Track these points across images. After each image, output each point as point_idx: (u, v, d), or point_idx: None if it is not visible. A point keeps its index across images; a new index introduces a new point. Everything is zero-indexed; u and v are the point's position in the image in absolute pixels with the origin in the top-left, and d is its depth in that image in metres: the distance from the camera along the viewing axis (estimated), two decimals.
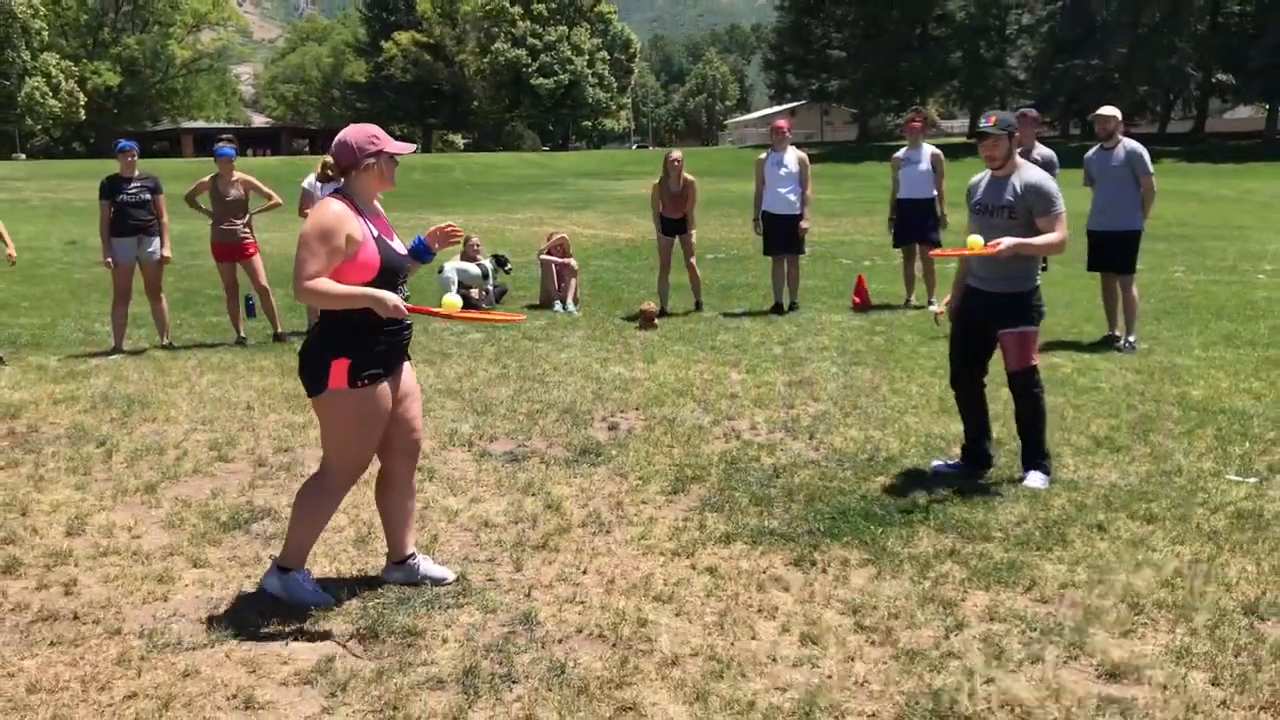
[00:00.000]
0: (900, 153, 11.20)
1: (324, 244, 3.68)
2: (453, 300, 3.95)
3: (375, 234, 3.83)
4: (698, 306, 11.21)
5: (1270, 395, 7.12)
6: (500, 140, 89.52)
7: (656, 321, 10.14)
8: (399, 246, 3.95)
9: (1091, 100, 45.36)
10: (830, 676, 3.47)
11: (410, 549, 4.23)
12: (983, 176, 5.53)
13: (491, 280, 11.62)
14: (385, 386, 3.91)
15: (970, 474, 5.51)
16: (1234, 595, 4.04)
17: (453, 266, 11.37)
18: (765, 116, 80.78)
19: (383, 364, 3.88)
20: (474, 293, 11.51)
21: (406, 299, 3.88)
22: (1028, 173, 5.34)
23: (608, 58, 77.51)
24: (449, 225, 4.09)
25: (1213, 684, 3.39)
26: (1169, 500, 5.08)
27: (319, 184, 9.80)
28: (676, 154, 11.13)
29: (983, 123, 5.34)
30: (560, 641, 3.73)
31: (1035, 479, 5.34)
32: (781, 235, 10.93)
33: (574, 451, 6.02)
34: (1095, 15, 55.10)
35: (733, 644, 3.68)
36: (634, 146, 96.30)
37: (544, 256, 11.67)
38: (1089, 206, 9.04)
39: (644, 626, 3.82)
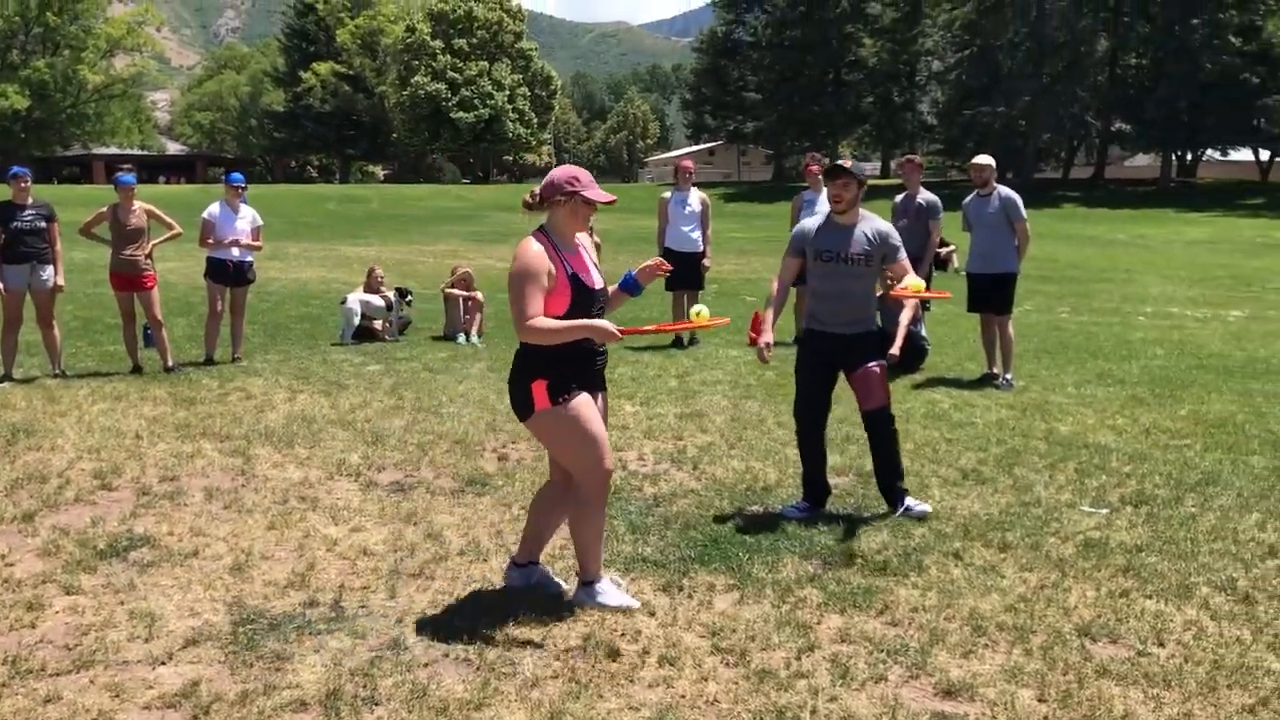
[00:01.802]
0: (802, 195, 11.53)
1: (533, 283, 4.00)
2: (702, 310, 4.52)
3: (570, 270, 4.10)
4: None
5: (1131, 431, 7.50)
6: (420, 172, 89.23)
7: None
8: (595, 278, 4.21)
9: (998, 146, 46.90)
10: (683, 696, 3.63)
11: (538, 558, 4.54)
12: (815, 222, 5.62)
13: (395, 312, 11.67)
14: (587, 395, 4.19)
15: (817, 510, 5.61)
16: (1071, 618, 4.29)
17: (356, 298, 11.41)
18: (684, 155, 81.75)
19: (580, 383, 4.16)
20: (377, 324, 11.55)
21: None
22: (875, 222, 5.55)
23: (528, 93, 77.82)
24: (659, 261, 4.35)
25: (1039, 700, 3.62)
26: (1024, 529, 5.36)
27: (220, 211, 9.85)
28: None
29: (840, 162, 5.45)
30: (425, 665, 3.83)
31: (919, 504, 5.60)
32: (683, 271, 11.17)
33: (461, 481, 6.13)
34: (1001, 64, 56.91)
35: (594, 666, 3.82)
36: None
37: (448, 290, 11.76)
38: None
39: (510, 651, 3.94)
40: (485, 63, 74.65)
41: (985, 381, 9.20)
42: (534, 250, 4.06)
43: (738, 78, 69.35)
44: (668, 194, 11.33)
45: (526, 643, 4.00)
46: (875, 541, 5.16)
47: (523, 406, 4.18)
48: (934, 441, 7.10)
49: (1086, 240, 31.09)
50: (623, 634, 4.09)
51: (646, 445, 7.03)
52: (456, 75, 73.00)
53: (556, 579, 4.55)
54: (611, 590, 4.36)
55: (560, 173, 4.23)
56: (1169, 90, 52.91)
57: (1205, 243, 31.38)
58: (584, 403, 4.16)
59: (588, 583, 4.35)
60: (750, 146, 78.63)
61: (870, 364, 5.51)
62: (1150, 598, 4.50)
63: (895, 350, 6.59)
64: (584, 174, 4.25)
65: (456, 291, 11.69)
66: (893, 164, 70.25)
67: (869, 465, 6.42)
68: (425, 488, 6.01)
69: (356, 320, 11.27)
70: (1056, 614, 4.32)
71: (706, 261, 11.22)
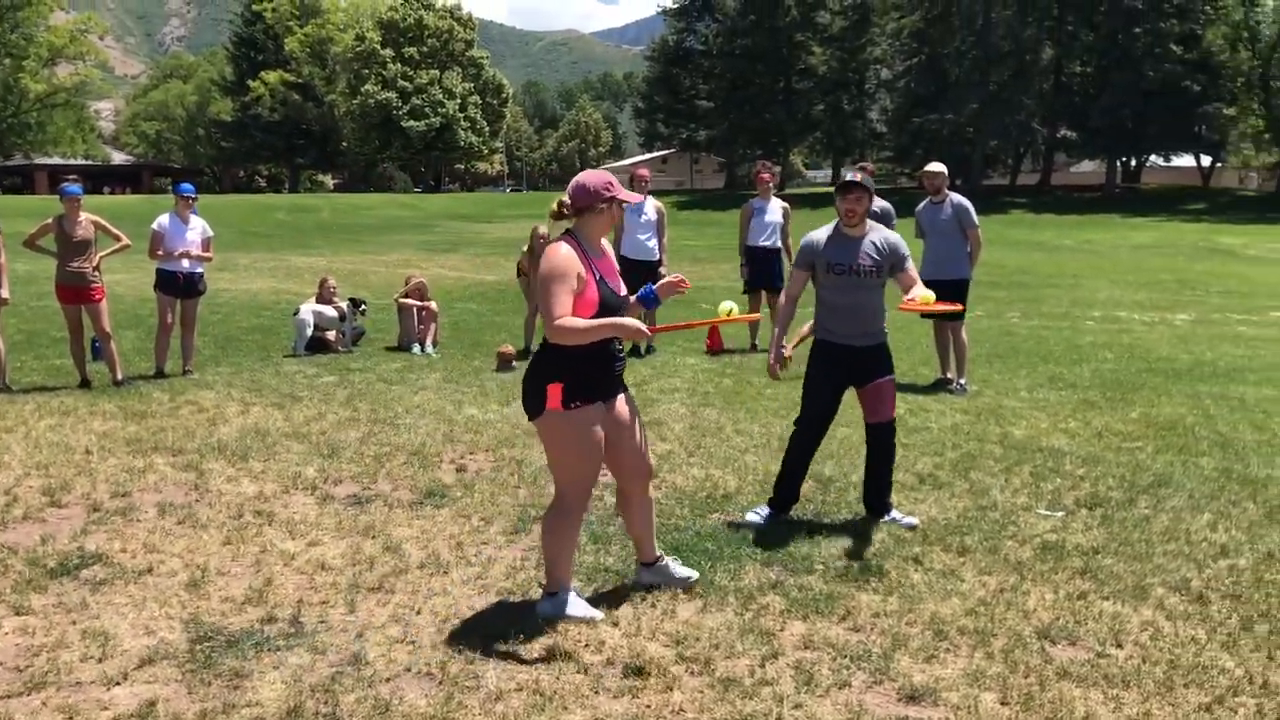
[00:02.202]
0: (752, 203, 11.60)
1: (562, 284, 4.01)
2: (728, 305, 4.64)
3: (598, 276, 4.14)
4: None
5: (1084, 434, 7.60)
6: (371, 181, 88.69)
7: (514, 364, 10.25)
8: (619, 284, 4.27)
9: (946, 153, 47.41)
10: (649, 706, 3.61)
11: (657, 553, 4.63)
12: (824, 235, 5.51)
13: (349, 323, 11.57)
14: (599, 409, 4.21)
15: (780, 517, 5.60)
16: (1031, 621, 4.33)
17: (308, 309, 11.30)
18: (638, 163, 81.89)
19: (595, 389, 4.18)
20: (330, 335, 11.44)
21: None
22: (882, 232, 5.51)
23: (480, 102, 77.63)
24: (679, 278, 4.34)
25: (1001, 703, 3.64)
26: (982, 533, 5.40)
27: (169, 222, 9.71)
28: (543, 230, 11.40)
29: (849, 174, 5.35)
30: (388, 680, 3.78)
31: (907, 516, 5.60)
32: (640, 281, 11.14)
33: (419, 494, 6.07)
34: (948, 73, 57.66)
35: (558, 678, 3.80)
36: (507, 190, 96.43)
37: (401, 300, 11.68)
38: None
39: (473, 664, 3.90)
40: (436, 71, 74.40)
41: (939, 386, 9.29)
42: (564, 252, 4.07)
43: (689, 86, 69.71)
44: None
45: (490, 655, 3.97)
46: (836, 548, 5.18)
47: (534, 405, 4.19)
48: None
49: (1034, 246, 31.52)
50: (587, 645, 4.07)
51: None
52: (407, 84, 72.69)
53: (680, 569, 4.65)
54: (576, 601, 4.35)
55: (593, 179, 4.20)
56: (1113, 98, 53.93)
57: (1150, 247, 31.94)
58: (593, 415, 4.18)
59: (552, 593, 4.34)
60: (703, 154, 78.99)
61: (883, 378, 5.48)
62: (1107, 599, 4.55)
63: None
64: (613, 177, 4.27)
65: (410, 301, 11.61)
66: (844, 171, 70.89)
67: (828, 471, 6.48)
68: (383, 500, 5.95)
69: (309, 331, 11.16)
70: (1016, 617, 4.36)
71: (663, 270, 11.24)
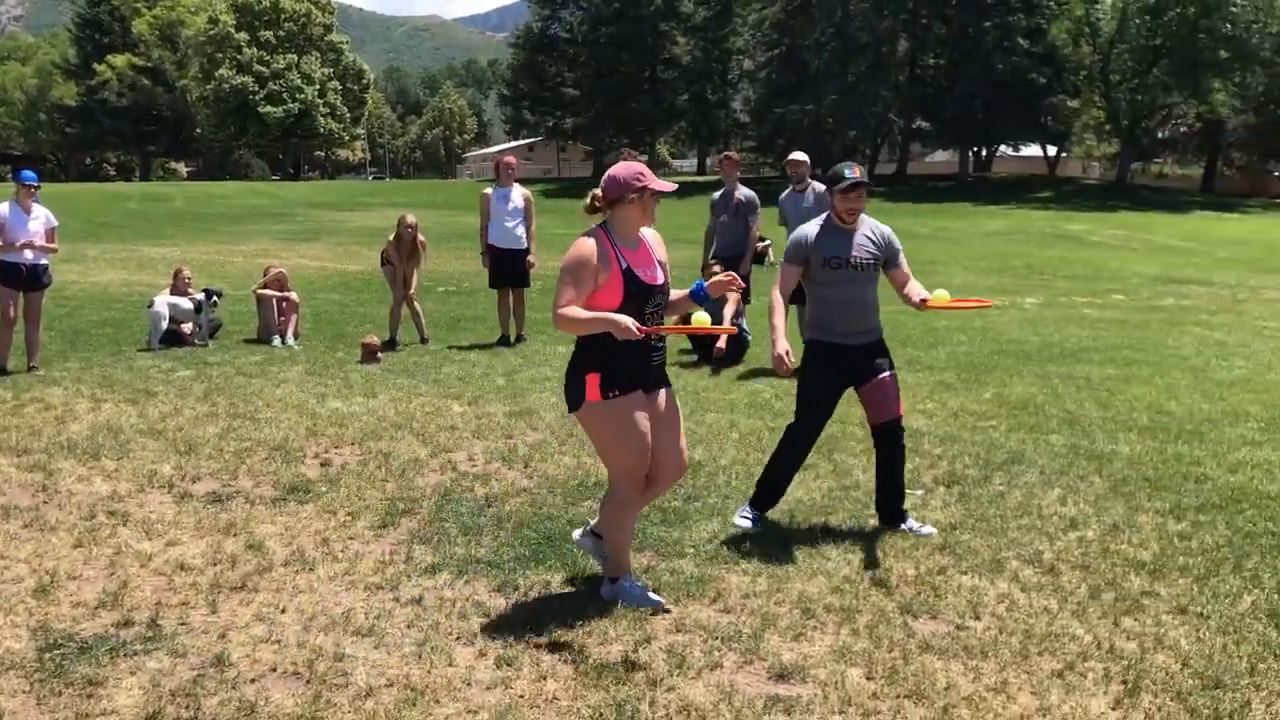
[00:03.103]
0: None
1: (571, 275, 4.07)
2: (703, 316, 4.30)
3: (624, 266, 4.12)
4: (423, 340, 11.21)
5: (940, 415, 7.86)
6: (227, 169, 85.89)
7: (380, 355, 10.06)
8: (654, 274, 4.21)
9: (807, 143, 48.35)
10: (522, 696, 3.60)
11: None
12: (814, 229, 5.30)
13: (205, 315, 11.18)
14: (640, 397, 4.19)
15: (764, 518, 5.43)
16: (894, 597, 4.46)
17: (163, 301, 10.87)
18: (504, 151, 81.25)
19: (632, 379, 4.16)
20: (185, 328, 11.05)
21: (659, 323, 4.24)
22: (873, 223, 5.34)
23: (340, 88, 75.87)
24: (731, 277, 4.24)
25: (867, 678, 3.75)
26: (845, 513, 5.54)
27: (10, 211, 9.20)
28: (410, 219, 11.23)
29: (851, 173, 5.17)
30: (253, 681, 3.68)
31: (923, 526, 5.33)
32: (508, 269, 11.11)
33: (282, 490, 5.91)
34: (809, 64, 58.68)
35: (429, 672, 3.75)
36: (370, 178, 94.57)
37: (260, 291, 11.35)
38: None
39: (341, 661, 3.83)
40: (294, 56, 72.44)
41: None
42: (585, 245, 4.11)
43: (555, 73, 69.36)
44: (489, 190, 11.22)
45: (359, 652, 3.89)
46: (706, 531, 5.24)
47: (574, 397, 4.21)
48: (758, 430, 7.27)
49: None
50: (458, 637, 4.03)
51: (476, 445, 6.95)
52: (264, 68, 70.57)
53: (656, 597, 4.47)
54: (636, 589, 4.37)
55: (624, 170, 4.19)
56: (965, 90, 55.75)
57: (1001, 234, 33.16)
58: (634, 402, 4.16)
59: (613, 579, 4.40)
60: (570, 142, 78.77)
61: (884, 374, 5.27)
62: (965, 573, 4.72)
63: (721, 344, 6.63)
64: (645, 168, 4.24)
65: (270, 292, 11.29)
66: (709, 161, 71.68)
67: (698, 455, 6.55)
68: (244, 497, 5.78)
69: (164, 324, 10.75)
70: (880, 593, 4.49)
71: (531, 259, 11.17)
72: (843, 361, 5.26)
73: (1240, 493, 5.97)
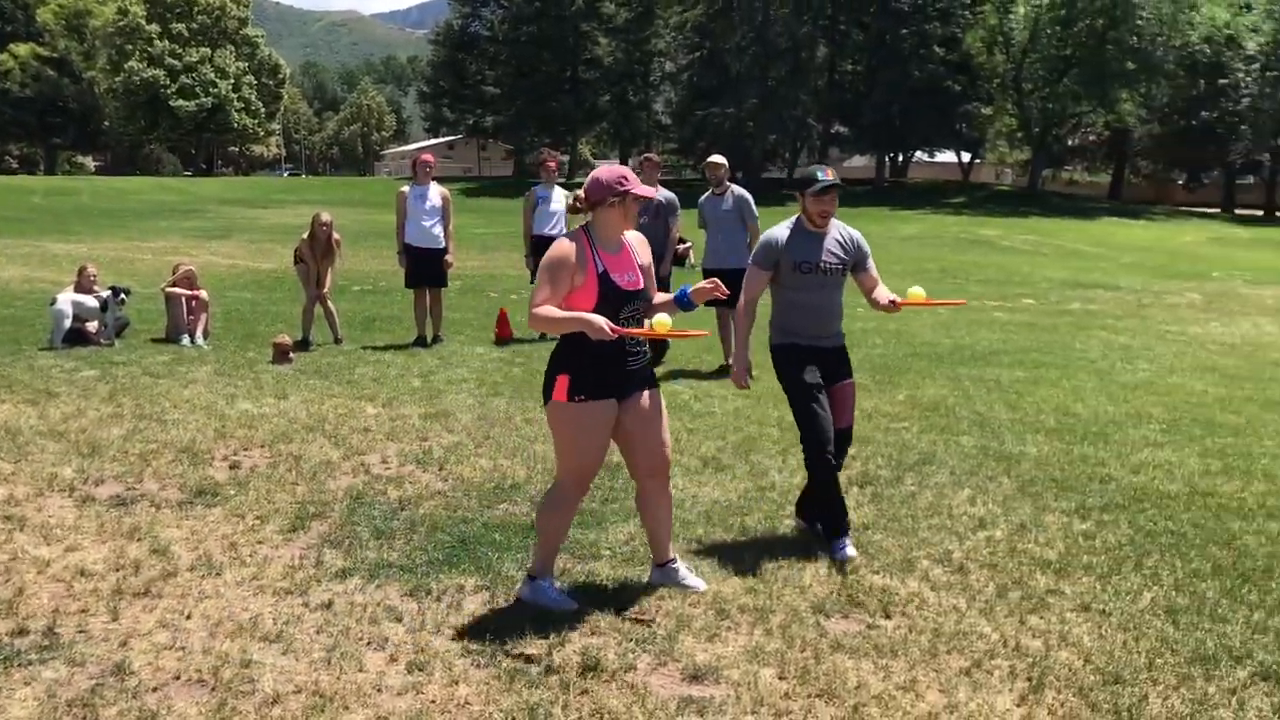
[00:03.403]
0: (535, 190, 11.57)
1: (548, 275, 4.11)
2: (664, 320, 4.19)
3: (601, 270, 4.14)
4: (336, 340, 11.03)
5: (856, 416, 7.93)
6: (137, 164, 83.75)
7: (292, 355, 9.88)
8: (632, 279, 4.23)
9: (727, 146, 48.68)
10: (434, 701, 3.55)
11: (670, 555, 4.57)
12: (784, 232, 5.19)
13: (111, 314, 10.87)
14: (608, 406, 4.23)
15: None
16: (807, 596, 4.50)
17: (66, 298, 10.55)
18: (423, 148, 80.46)
19: (603, 384, 4.20)
20: (91, 327, 10.73)
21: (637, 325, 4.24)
22: (841, 227, 5.27)
23: (255, 82, 74.48)
24: (715, 283, 4.25)
25: (779, 677, 3.77)
26: (761, 513, 5.58)
27: None
28: (326, 216, 11.06)
29: (824, 175, 5.09)
30: (155, 690, 3.58)
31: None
32: (425, 268, 10.99)
33: (189, 493, 5.77)
34: (730, 67, 59.07)
35: (338, 678, 3.69)
36: (285, 174, 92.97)
37: (169, 289, 11.07)
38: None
39: (247, 668, 3.74)
40: (207, 49, 70.92)
41: (723, 372, 9.52)
42: (564, 246, 4.16)
43: (475, 71, 68.84)
44: (406, 188, 11.09)
45: (266, 658, 3.81)
46: (623, 533, 5.24)
47: (545, 393, 4.28)
48: (676, 431, 7.26)
49: None
50: (369, 642, 3.97)
51: (390, 447, 6.86)
52: (175, 61, 68.97)
53: (690, 578, 4.57)
54: (552, 592, 4.38)
55: (608, 174, 4.23)
56: (882, 96, 56.65)
57: (916, 238, 33.75)
58: (598, 410, 4.21)
59: (532, 577, 4.41)
60: (491, 141, 78.31)
61: (847, 380, 5.26)
62: (877, 573, 4.78)
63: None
64: (629, 171, 4.29)
65: (179, 290, 11.02)
66: (630, 162, 71.74)
67: (615, 458, 6.53)
68: (149, 500, 5.62)
69: (67, 323, 10.43)
70: (793, 593, 4.52)
71: (449, 258, 11.07)
72: (816, 364, 5.17)
73: (1142, 493, 6.14)
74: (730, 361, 5.14)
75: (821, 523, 5.19)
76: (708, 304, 6.12)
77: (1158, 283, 21.24)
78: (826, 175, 5.10)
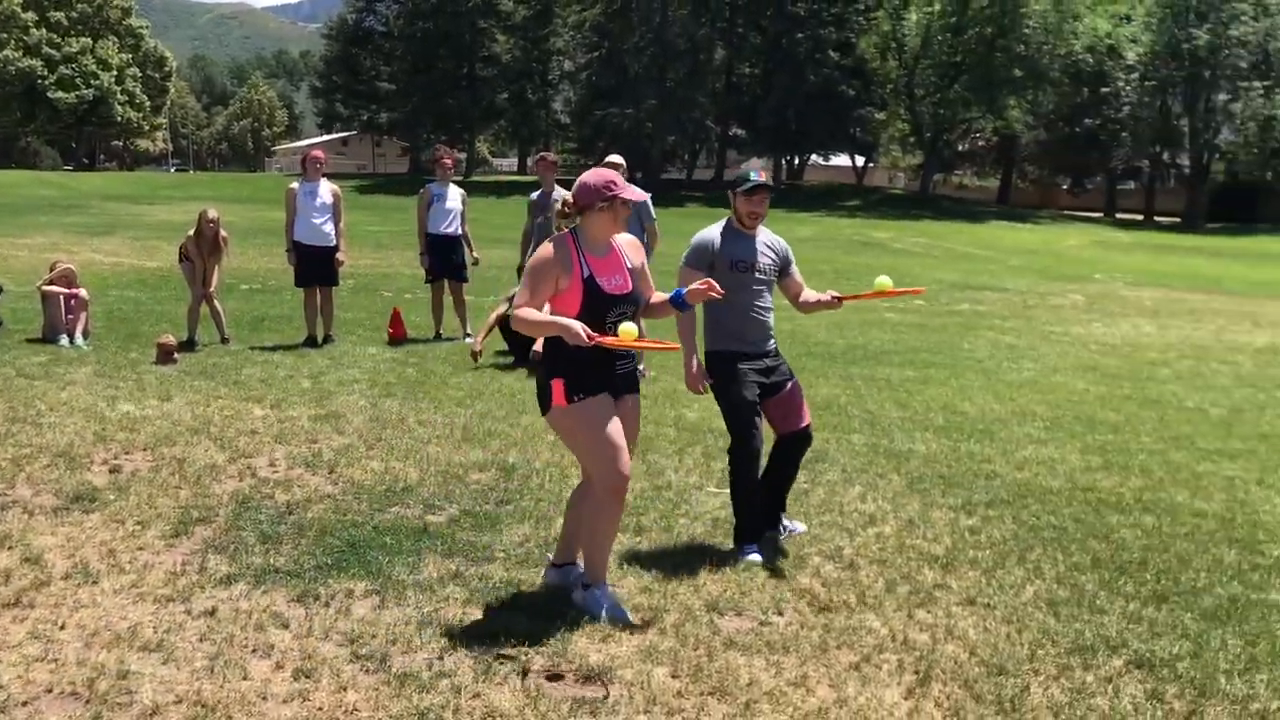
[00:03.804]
0: (430, 187, 11.43)
1: (534, 280, 4.16)
2: (629, 329, 4.05)
3: (586, 274, 4.16)
4: (223, 340, 10.74)
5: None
6: (12, 157, 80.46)
7: (177, 356, 9.59)
8: (618, 283, 4.22)
9: (626, 146, 48.80)
10: (321, 708, 3.47)
11: (577, 559, 4.52)
12: (716, 233, 5.12)
13: None
14: (605, 398, 4.22)
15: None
16: (700, 594, 4.52)
17: None
18: (316, 145, 78.97)
19: (598, 383, 4.21)
20: None
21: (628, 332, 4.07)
22: (768, 233, 5.26)
23: (139, 74, 72.23)
24: (709, 283, 4.23)
25: (672, 676, 3.78)
26: (657, 512, 5.59)
27: None
28: (213, 214, 10.76)
29: (756, 175, 5.05)
30: (25, 704, 3.43)
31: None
32: (316, 267, 10.77)
33: (65, 498, 5.55)
34: (629, 67, 59.25)
35: (222, 687, 3.58)
36: (172, 170, 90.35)
37: (46, 287, 10.66)
38: None
39: (125, 679, 3.61)
40: (89, 39, 68.61)
41: None
42: (546, 249, 4.21)
43: (370, 67, 67.91)
44: (295, 185, 10.86)
45: (145, 669, 3.68)
46: (518, 534, 5.20)
47: (544, 402, 4.28)
48: None
49: None
50: (254, 650, 3.87)
51: (278, 450, 6.69)
52: (54, 51, 66.55)
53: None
54: (606, 601, 4.27)
55: (594, 178, 4.23)
56: (778, 99, 57.47)
57: (811, 240, 34.27)
58: (599, 404, 4.20)
59: (587, 585, 4.33)
60: (385, 137, 77.23)
61: (791, 380, 5.24)
62: (769, 569, 4.82)
63: (539, 346, 6.47)
64: (617, 175, 4.28)
65: (56, 289, 10.60)
66: (529, 160, 71.45)
67: (511, 459, 6.49)
68: (21, 507, 5.39)
69: None
70: (688, 592, 4.54)
71: (341, 256, 10.87)
72: (758, 369, 5.10)
73: (1026, 488, 6.32)
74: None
75: (744, 525, 5.12)
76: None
77: (1043, 284, 21.91)
78: (759, 176, 5.06)
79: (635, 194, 4.25)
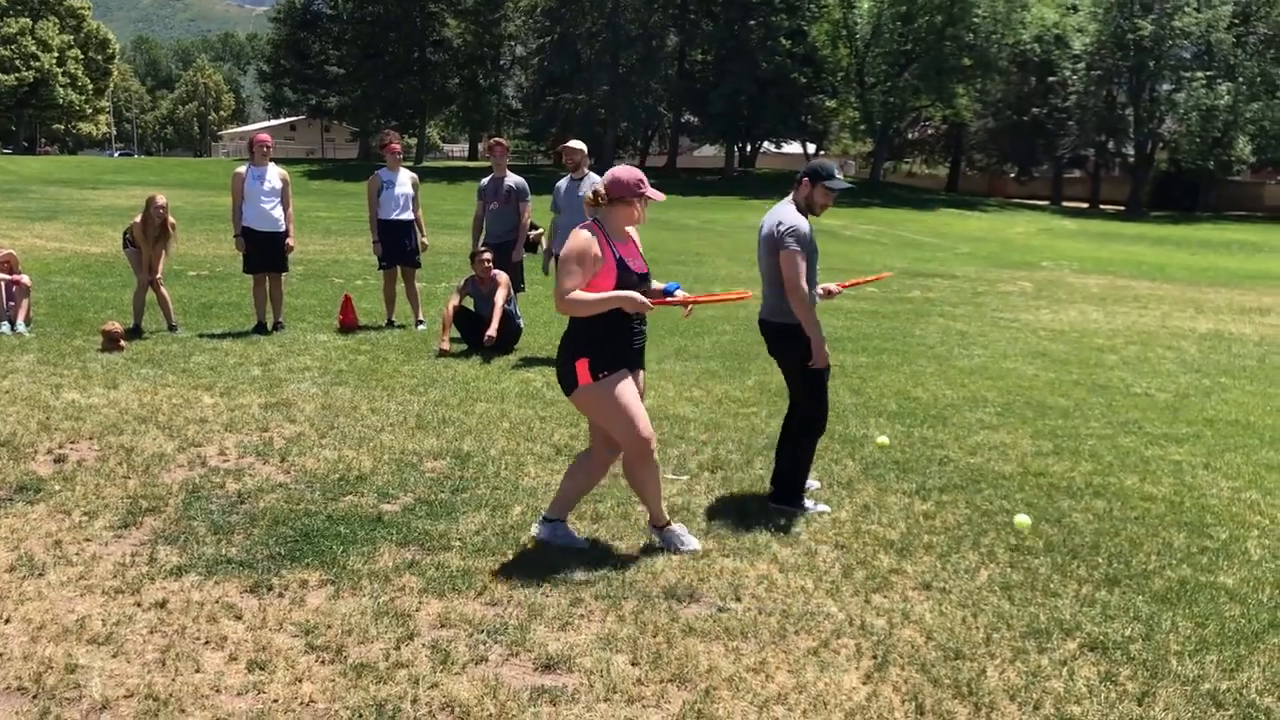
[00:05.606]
0: (380, 173, 11.28)
1: (578, 265, 4.46)
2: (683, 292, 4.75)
3: (617, 256, 4.57)
4: (171, 328, 10.56)
5: (706, 402, 8.04)
6: None
7: (123, 343, 9.42)
8: (641, 264, 4.69)
9: (579, 132, 48.59)
10: (276, 700, 3.43)
11: (561, 516, 4.91)
12: (802, 219, 5.37)
13: None
14: (625, 372, 4.62)
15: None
16: (659, 582, 4.51)
17: None
18: (264, 129, 77.81)
19: (619, 359, 4.60)
20: None
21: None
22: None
23: (81, 56, 70.82)
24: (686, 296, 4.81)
25: (632, 663, 3.77)
26: (614, 500, 5.57)
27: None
28: (161, 199, 10.55)
29: (840, 176, 5.46)
30: None
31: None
32: (265, 252, 10.61)
33: (8, 489, 5.43)
34: (581, 53, 59.02)
35: (174, 679, 3.52)
36: (116, 154, 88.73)
37: None
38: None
39: (73, 673, 3.54)
40: (28, 20, 67.13)
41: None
42: (582, 237, 4.51)
43: (319, 51, 67.11)
44: (242, 169, 10.68)
45: (94, 662, 3.61)
46: (474, 522, 5.16)
47: (568, 382, 4.61)
48: (528, 420, 7.23)
49: (661, 225, 33.00)
50: (207, 642, 3.80)
51: (228, 438, 6.59)
52: None
53: (579, 537, 4.94)
54: (683, 533, 4.89)
55: (628, 175, 4.62)
56: (731, 86, 57.50)
57: None
58: (622, 378, 4.59)
59: (659, 527, 4.87)
60: (335, 122, 76.35)
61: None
62: (728, 556, 4.83)
63: (493, 331, 6.47)
64: (643, 175, 4.65)
65: None
66: (481, 146, 70.99)
67: (466, 447, 6.44)
68: None
69: None
70: (646, 578, 4.53)
71: (290, 241, 10.71)
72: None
73: (979, 473, 6.38)
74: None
75: (792, 485, 5.56)
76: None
77: (991, 271, 22.14)
78: (842, 178, 5.51)
79: (657, 195, 4.64)
